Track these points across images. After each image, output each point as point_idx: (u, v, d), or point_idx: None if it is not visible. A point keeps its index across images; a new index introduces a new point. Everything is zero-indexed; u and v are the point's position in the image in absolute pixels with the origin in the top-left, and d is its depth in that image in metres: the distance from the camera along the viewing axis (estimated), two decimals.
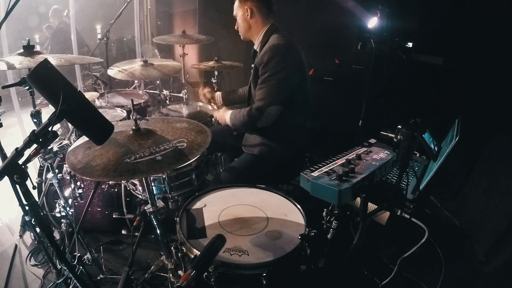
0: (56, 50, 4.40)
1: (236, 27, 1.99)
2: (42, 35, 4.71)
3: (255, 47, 1.98)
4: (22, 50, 1.66)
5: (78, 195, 1.96)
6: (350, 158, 1.28)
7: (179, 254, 1.29)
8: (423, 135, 1.22)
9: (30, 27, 4.48)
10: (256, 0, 1.86)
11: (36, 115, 1.74)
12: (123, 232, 2.19)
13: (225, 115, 2.05)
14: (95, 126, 1.10)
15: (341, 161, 1.27)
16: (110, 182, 2.14)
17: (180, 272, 1.38)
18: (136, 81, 3.35)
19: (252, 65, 1.97)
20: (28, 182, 1.07)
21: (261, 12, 1.88)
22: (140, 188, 1.86)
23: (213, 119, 2.22)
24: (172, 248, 1.31)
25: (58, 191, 1.78)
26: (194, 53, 4.26)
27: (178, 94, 2.92)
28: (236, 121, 1.97)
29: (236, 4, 1.92)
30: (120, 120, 2.22)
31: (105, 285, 1.89)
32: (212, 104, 2.65)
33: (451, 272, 1.83)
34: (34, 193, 1.19)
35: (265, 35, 1.88)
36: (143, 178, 1.37)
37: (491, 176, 2.34)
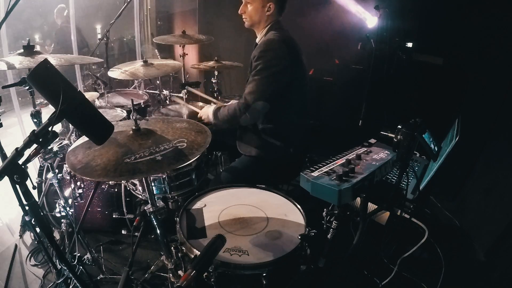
0: (58, 50, 4.41)
1: (240, 11, 1.93)
2: (43, 35, 4.71)
3: (257, 40, 1.97)
4: (22, 50, 1.66)
5: (78, 195, 1.96)
6: (350, 158, 1.28)
7: (179, 254, 1.29)
8: (423, 135, 1.22)
9: (30, 27, 4.48)
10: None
11: (36, 115, 1.74)
12: (123, 232, 2.18)
13: (208, 112, 2.01)
14: (95, 126, 1.10)
15: (341, 161, 1.27)
16: (110, 182, 2.14)
17: (180, 272, 1.38)
18: (136, 81, 3.35)
19: None
20: (28, 182, 1.06)
21: (276, 11, 1.87)
22: (140, 188, 1.86)
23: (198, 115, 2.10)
24: (172, 248, 1.30)
25: (58, 191, 1.78)
26: (194, 53, 4.26)
27: (178, 94, 2.92)
28: (219, 116, 1.93)
29: None
30: (120, 120, 2.22)
31: (105, 285, 1.89)
32: (212, 104, 2.65)
33: (451, 272, 1.83)
34: (34, 193, 1.19)
35: (268, 30, 1.88)
36: (143, 178, 1.37)
37: (491, 176, 2.34)
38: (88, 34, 4.58)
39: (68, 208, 1.81)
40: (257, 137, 1.94)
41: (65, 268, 1.33)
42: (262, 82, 1.78)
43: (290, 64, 1.82)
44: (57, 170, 1.75)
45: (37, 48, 1.72)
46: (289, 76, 1.83)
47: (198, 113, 2.14)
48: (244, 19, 1.95)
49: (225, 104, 2.11)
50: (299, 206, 1.45)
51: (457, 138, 1.87)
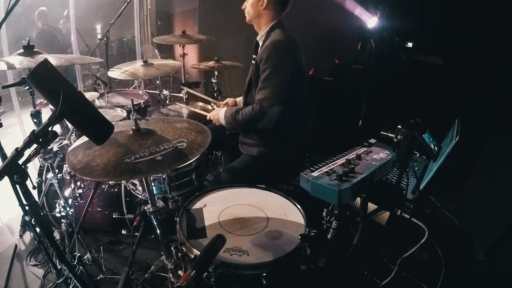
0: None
1: (243, 7, 1.93)
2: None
3: (258, 38, 1.95)
4: (22, 50, 1.66)
5: (78, 195, 1.96)
6: (350, 158, 1.28)
7: (179, 254, 1.29)
8: (423, 135, 1.22)
9: (30, 27, 4.48)
10: None
11: (36, 115, 1.74)
12: (123, 232, 2.18)
13: (218, 114, 2.00)
14: (95, 126, 1.10)
15: (341, 161, 1.27)
16: (110, 182, 2.14)
17: (180, 272, 1.38)
18: (136, 81, 3.35)
19: (254, 56, 1.93)
20: (28, 182, 1.06)
21: (275, 7, 1.85)
22: (140, 188, 1.86)
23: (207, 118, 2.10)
24: (172, 248, 1.30)
25: (58, 191, 1.78)
26: (194, 53, 4.26)
27: (178, 94, 2.92)
28: (233, 121, 1.92)
29: None
30: (120, 120, 2.22)
31: (105, 285, 1.89)
32: (212, 104, 2.65)
33: (451, 272, 1.83)
34: (34, 193, 1.19)
35: (270, 29, 1.87)
36: (143, 178, 1.37)
37: (491, 176, 2.34)
38: (88, 34, 4.59)
39: (68, 208, 1.81)
40: (259, 137, 1.93)
41: (65, 268, 1.33)
42: (275, 87, 1.77)
43: (296, 65, 1.83)
44: (57, 170, 1.75)
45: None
46: (296, 77, 1.83)
47: (205, 116, 2.12)
48: (245, 14, 1.94)
49: (233, 107, 2.10)
50: (299, 206, 1.45)
51: (457, 138, 1.87)
